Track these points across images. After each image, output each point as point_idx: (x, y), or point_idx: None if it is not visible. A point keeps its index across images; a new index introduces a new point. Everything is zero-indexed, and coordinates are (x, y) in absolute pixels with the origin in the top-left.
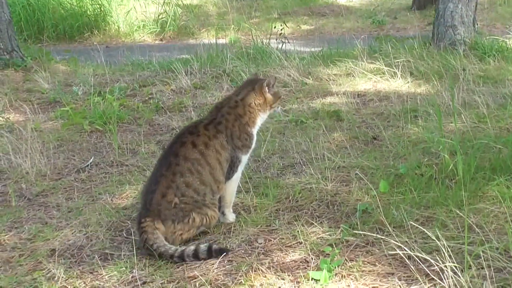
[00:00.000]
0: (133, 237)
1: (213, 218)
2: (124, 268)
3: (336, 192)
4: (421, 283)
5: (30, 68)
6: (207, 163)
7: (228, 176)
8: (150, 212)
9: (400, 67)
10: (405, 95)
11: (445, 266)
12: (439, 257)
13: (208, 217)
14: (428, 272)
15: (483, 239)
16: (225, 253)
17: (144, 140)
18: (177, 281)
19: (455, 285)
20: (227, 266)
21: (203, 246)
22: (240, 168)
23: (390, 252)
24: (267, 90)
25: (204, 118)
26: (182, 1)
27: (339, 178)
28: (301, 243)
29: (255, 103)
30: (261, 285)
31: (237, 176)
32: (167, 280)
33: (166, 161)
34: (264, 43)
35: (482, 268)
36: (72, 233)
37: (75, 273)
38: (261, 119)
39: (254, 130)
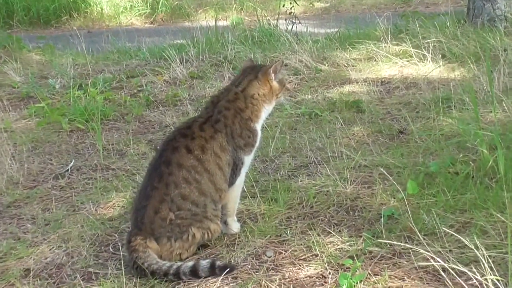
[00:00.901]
0: (121, 253)
1: (216, 232)
2: None
3: (356, 196)
4: None
5: None
6: (205, 169)
7: (231, 181)
8: (141, 230)
9: (430, 49)
10: (436, 81)
11: (486, 280)
12: (478, 269)
13: (210, 231)
14: (466, 286)
15: None
16: (229, 270)
17: (133, 139)
18: None
19: None
20: (231, 284)
21: (204, 262)
22: (244, 171)
23: (420, 264)
24: (273, 77)
25: (199, 116)
26: None
27: (360, 179)
28: (316, 255)
29: (259, 94)
30: None
31: (240, 181)
32: None
33: (157, 171)
34: (272, 24)
35: None
36: (50, 250)
37: None
38: (266, 112)
39: (258, 125)
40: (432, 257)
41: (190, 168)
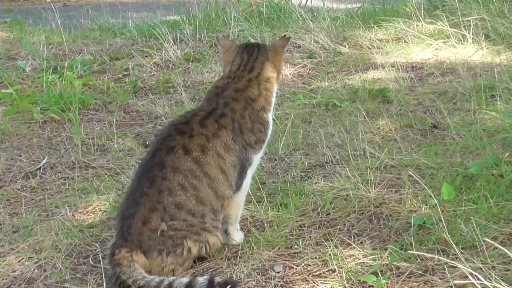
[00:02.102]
0: (102, 265)
1: (215, 245)
2: None
3: (381, 201)
4: None
5: None
6: (205, 174)
7: (237, 186)
8: (127, 242)
9: (471, 28)
10: (478, 67)
11: None
12: None
13: (208, 245)
14: None
15: None
16: (230, 286)
17: (118, 132)
18: None
19: None
20: None
21: (201, 279)
22: (250, 172)
23: (457, 282)
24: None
25: (199, 109)
26: None
27: (386, 181)
28: (334, 271)
29: (273, 77)
30: None
31: (246, 183)
32: None
33: (148, 174)
34: None
35: None
36: (19, 261)
37: None
38: (275, 97)
39: (271, 115)
40: (471, 274)
41: (187, 172)
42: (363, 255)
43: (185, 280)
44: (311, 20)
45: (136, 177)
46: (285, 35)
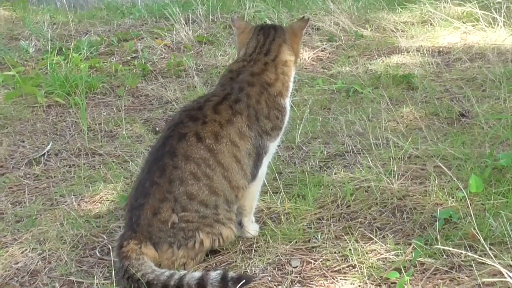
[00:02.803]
0: (109, 258)
1: (229, 238)
2: None
3: (405, 193)
4: None
5: None
6: (218, 162)
7: (253, 175)
8: (136, 233)
9: (502, 11)
10: (509, 52)
11: None
12: None
13: (221, 237)
14: None
15: None
16: (244, 282)
17: (126, 118)
18: None
19: None
20: None
21: (214, 274)
22: (266, 161)
23: (486, 280)
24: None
25: (213, 94)
26: None
27: (410, 172)
28: (354, 266)
29: (291, 60)
30: None
31: (261, 173)
32: None
33: (158, 163)
34: None
35: None
36: (22, 252)
37: None
38: (292, 82)
39: (288, 100)
40: (500, 272)
41: (200, 161)
42: (385, 250)
43: (197, 274)
44: (332, 1)
45: (145, 165)
46: (303, 17)
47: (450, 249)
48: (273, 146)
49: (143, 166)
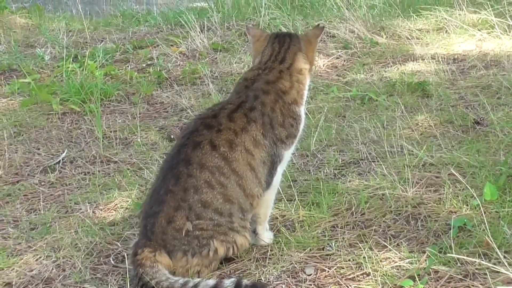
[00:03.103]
0: (125, 266)
1: (243, 246)
2: None
3: (420, 201)
4: None
5: None
6: (233, 171)
7: (268, 183)
8: (151, 241)
9: None
10: None
11: None
12: None
13: (236, 245)
14: None
15: None
16: None
17: (141, 125)
18: None
19: None
20: None
21: (228, 282)
22: (281, 169)
23: None
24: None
25: (228, 102)
26: None
27: (424, 180)
28: (368, 274)
29: (305, 68)
30: None
31: (276, 181)
32: None
33: (173, 171)
34: None
35: None
36: (37, 260)
37: None
38: (307, 90)
39: (303, 108)
40: None
41: (214, 169)
42: (400, 258)
43: (211, 282)
44: (347, 8)
45: (160, 173)
46: (319, 24)
47: (464, 257)
48: (287, 154)
49: (158, 174)
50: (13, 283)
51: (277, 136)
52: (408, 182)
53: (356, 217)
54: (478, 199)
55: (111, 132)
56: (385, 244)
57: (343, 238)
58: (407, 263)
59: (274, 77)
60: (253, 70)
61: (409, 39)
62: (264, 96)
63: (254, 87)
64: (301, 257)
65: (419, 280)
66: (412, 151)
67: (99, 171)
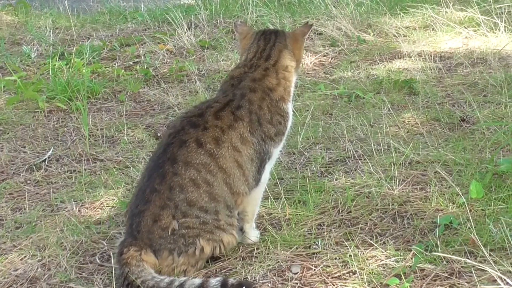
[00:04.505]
0: (111, 265)
1: (230, 244)
2: None
3: (406, 199)
4: None
5: None
6: (219, 168)
7: (256, 180)
8: (136, 240)
9: (503, 16)
10: (511, 57)
11: None
12: None
13: (222, 244)
14: None
15: None
16: None
17: (128, 123)
18: None
19: None
20: None
21: (214, 281)
22: (269, 167)
23: (485, 287)
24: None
25: (214, 100)
26: None
27: (411, 178)
28: (354, 272)
29: (291, 66)
30: None
31: (264, 178)
32: None
33: (159, 170)
34: None
35: None
36: (21, 259)
37: None
38: (293, 87)
39: (290, 105)
40: (500, 278)
41: (200, 167)
42: (386, 256)
43: (197, 281)
44: (334, 6)
45: (146, 172)
46: (307, 22)
47: (450, 256)
48: (276, 152)
49: (143, 173)
50: None
51: (265, 133)
52: (394, 180)
53: (342, 215)
54: (464, 197)
55: (97, 130)
56: (371, 242)
57: (330, 237)
58: (393, 261)
59: (260, 74)
60: (239, 68)
61: (396, 36)
62: (251, 94)
63: (241, 85)
64: (287, 255)
65: (405, 278)
66: (398, 149)
67: (85, 169)
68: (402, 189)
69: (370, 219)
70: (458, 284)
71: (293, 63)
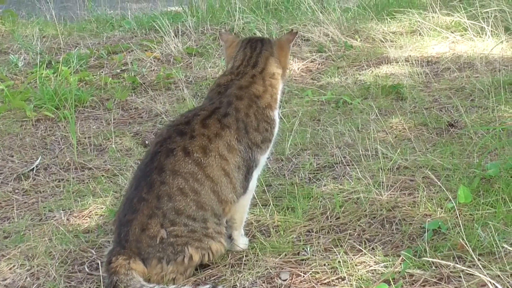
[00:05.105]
0: (99, 274)
1: (219, 252)
2: None
3: (394, 205)
4: None
5: None
6: (207, 176)
7: (244, 188)
8: (125, 249)
9: (490, 21)
10: (497, 62)
11: None
12: None
13: (211, 252)
14: None
15: None
16: None
17: (115, 131)
18: None
19: None
20: None
21: None
22: (256, 174)
23: None
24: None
25: (201, 108)
26: None
27: (399, 184)
28: (343, 278)
29: (278, 73)
30: None
31: (252, 186)
32: None
33: (146, 179)
34: None
35: None
36: (10, 269)
37: None
38: (280, 94)
39: (277, 112)
40: (489, 282)
41: (188, 175)
42: (375, 262)
43: None
44: (321, 12)
45: (134, 181)
46: (292, 30)
47: (439, 261)
48: (263, 159)
49: (131, 182)
50: None
51: (252, 141)
52: (382, 186)
53: (331, 222)
54: (452, 202)
55: (85, 138)
56: (360, 248)
57: (318, 243)
58: (382, 267)
59: (247, 82)
60: (226, 76)
61: (383, 42)
62: (238, 101)
63: (228, 93)
64: (276, 262)
65: (394, 284)
66: (386, 154)
67: (73, 178)
68: (390, 194)
69: (358, 225)
70: None
71: (280, 71)
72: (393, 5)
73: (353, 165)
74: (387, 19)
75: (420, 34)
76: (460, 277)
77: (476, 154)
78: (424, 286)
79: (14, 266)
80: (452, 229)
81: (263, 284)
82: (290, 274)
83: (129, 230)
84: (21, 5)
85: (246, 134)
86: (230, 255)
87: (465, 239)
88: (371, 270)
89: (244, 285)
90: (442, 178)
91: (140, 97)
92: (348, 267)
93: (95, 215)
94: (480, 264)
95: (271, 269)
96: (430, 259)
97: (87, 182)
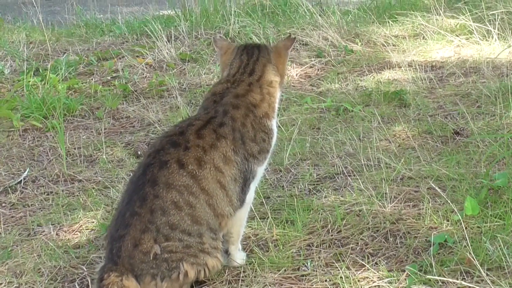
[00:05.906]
0: None
1: (215, 268)
2: None
3: (398, 217)
4: None
5: None
6: (202, 189)
7: (241, 201)
8: (117, 265)
9: (496, 23)
10: (505, 66)
11: None
12: None
13: (207, 268)
14: None
15: None
16: None
17: (106, 141)
18: None
19: None
20: None
21: None
22: (253, 186)
23: None
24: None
25: (196, 118)
26: None
27: (403, 195)
28: None
29: (276, 80)
30: None
31: (249, 198)
32: None
33: (139, 192)
34: None
35: None
36: None
37: None
38: (278, 102)
39: (275, 122)
40: None
41: (182, 188)
42: (378, 277)
43: None
44: (320, 15)
45: (126, 194)
46: (290, 35)
47: (446, 278)
48: (260, 170)
49: (123, 195)
50: None
51: (248, 152)
52: (385, 197)
53: (332, 235)
54: (458, 214)
55: (75, 149)
56: (363, 263)
57: (319, 258)
58: (386, 282)
59: (243, 90)
60: (221, 84)
61: (385, 46)
62: (234, 110)
63: (223, 102)
64: (275, 278)
65: None
66: (389, 164)
67: (62, 191)
68: (394, 206)
69: (361, 239)
70: None
71: (278, 78)
72: (395, 7)
73: (354, 175)
74: (389, 22)
75: (423, 37)
76: None
77: (484, 163)
78: None
79: (1, 284)
80: (459, 242)
81: None
82: None
83: (121, 245)
84: (7, 9)
85: (242, 145)
86: (227, 271)
87: (472, 253)
88: (375, 286)
89: None
90: (448, 189)
91: (132, 106)
92: (350, 283)
93: (86, 229)
94: (489, 279)
95: (270, 286)
96: (437, 278)
97: (77, 195)
